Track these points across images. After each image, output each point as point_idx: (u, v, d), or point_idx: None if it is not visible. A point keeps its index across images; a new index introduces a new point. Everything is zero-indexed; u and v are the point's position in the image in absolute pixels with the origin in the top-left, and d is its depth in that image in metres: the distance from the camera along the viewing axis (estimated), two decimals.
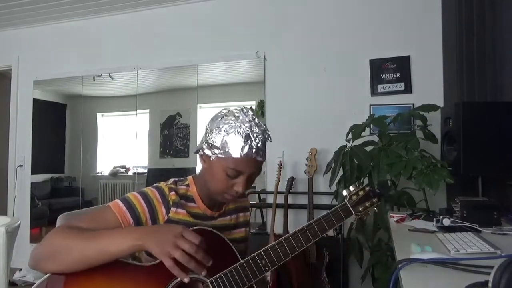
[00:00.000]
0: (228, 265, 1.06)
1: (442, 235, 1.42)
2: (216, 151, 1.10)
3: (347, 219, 1.22)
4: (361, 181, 2.39)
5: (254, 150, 1.09)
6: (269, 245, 1.12)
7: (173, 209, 1.15)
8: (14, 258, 2.18)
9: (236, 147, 1.07)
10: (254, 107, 3.44)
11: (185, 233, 0.99)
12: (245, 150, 1.07)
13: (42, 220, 4.20)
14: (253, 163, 1.11)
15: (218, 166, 1.11)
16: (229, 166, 1.09)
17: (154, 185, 1.20)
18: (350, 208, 1.21)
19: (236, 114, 1.12)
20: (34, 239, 4.12)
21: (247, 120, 1.11)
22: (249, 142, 1.08)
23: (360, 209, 1.22)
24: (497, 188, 2.10)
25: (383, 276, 2.29)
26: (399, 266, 1.01)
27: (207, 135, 1.13)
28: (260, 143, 1.10)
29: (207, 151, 1.13)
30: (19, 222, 2.07)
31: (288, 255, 1.12)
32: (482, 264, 0.97)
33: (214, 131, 1.11)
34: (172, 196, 1.16)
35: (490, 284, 0.68)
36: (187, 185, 1.22)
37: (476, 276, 0.89)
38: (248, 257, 1.09)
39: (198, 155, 1.20)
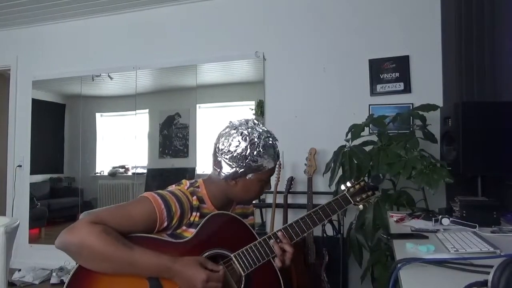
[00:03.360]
0: (247, 243, 1.21)
1: (441, 235, 1.42)
2: (254, 170, 1.22)
3: (346, 208, 1.38)
4: None
5: (278, 156, 1.28)
6: (282, 227, 1.28)
7: (193, 213, 1.22)
8: (13, 259, 2.18)
9: (271, 161, 1.24)
10: (253, 107, 3.44)
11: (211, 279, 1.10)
12: (276, 159, 1.26)
13: (41, 220, 4.20)
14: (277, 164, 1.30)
15: (254, 180, 1.24)
16: (266, 176, 1.26)
17: (178, 189, 1.24)
18: (349, 197, 1.37)
19: (254, 130, 1.22)
20: (33, 239, 4.12)
21: (261, 132, 1.23)
22: (276, 151, 1.27)
23: (357, 199, 1.38)
24: (496, 187, 2.10)
25: (382, 276, 2.29)
26: (399, 265, 1.01)
27: (237, 158, 1.19)
28: (278, 148, 1.29)
29: (241, 174, 1.22)
30: (18, 222, 2.07)
31: (298, 235, 1.28)
32: (481, 264, 0.97)
33: (248, 153, 1.19)
34: (194, 201, 1.23)
35: (489, 284, 0.68)
36: (198, 187, 1.28)
37: (476, 276, 0.89)
38: (265, 236, 1.25)
39: (226, 179, 1.25)
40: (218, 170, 1.24)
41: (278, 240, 1.24)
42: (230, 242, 1.21)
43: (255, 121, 1.27)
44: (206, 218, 1.20)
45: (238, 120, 1.26)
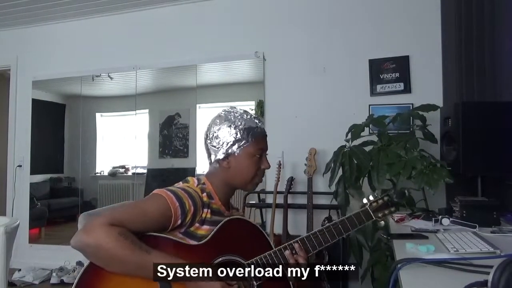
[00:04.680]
0: (261, 251, 1.19)
1: (441, 235, 1.42)
2: (241, 143, 1.25)
3: (366, 223, 1.32)
4: (361, 181, 2.39)
5: (263, 128, 1.31)
6: (299, 237, 1.25)
7: (205, 209, 1.22)
8: (13, 259, 2.17)
9: (255, 131, 1.27)
10: (253, 107, 3.44)
11: None
12: (259, 130, 1.28)
13: (41, 220, 4.20)
14: (266, 138, 1.33)
15: (245, 155, 1.26)
16: (256, 148, 1.27)
17: (187, 186, 1.24)
18: (371, 213, 1.31)
19: (232, 110, 1.30)
20: (33, 239, 4.12)
21: (237, 111, 1.30)
22: (258, 123, 1.29)
23: (379, 215, 1.32)
24: (496, 188, 2.10)
25: (382, 276, 2.28)
26: (399, 266, 1.01)
27: (220, 139, 1.26)
28: (259, 124, 1.31)
29: (230, 151, 1.26)
30: (18, 222, 2.07)
31: (315, 248, 1.24)
32: (481, 264, 0.97)
33: (228, 131, 1.25)
34: (204, 197, 1.24)
35: (489, 284, 0.68)
36: (204, 184, 1.29)
37: (476, 276, 0.89)
38: (281, 246, 1.21)
39: (215, 164, 1.29)
40: (210, 158, 1.31)
41: (294, 252, 1.21)
42: (245, 248, 1.19)
43: (233, 107, 1.32)
44: (222, 222, 1.20)
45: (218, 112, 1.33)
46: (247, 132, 1.25)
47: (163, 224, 1.13)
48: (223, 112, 1.30)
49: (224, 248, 1.17)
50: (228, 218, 1.22)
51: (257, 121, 1.30)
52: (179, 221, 1.15)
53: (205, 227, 1.20)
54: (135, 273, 1.06)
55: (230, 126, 1.25)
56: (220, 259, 1.16)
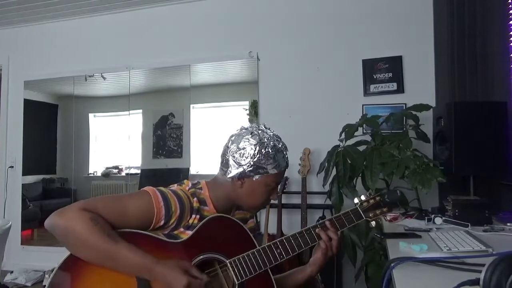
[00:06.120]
0: (245, 250, 1.17)
1: (434, 234, 1.43)
2: (263, 171, 1.20)
3: (357, 223, 1.29)
4: (354, 181, 2.40)
5: (287, 164, 1.28)
6: (285, 236, 1.22)
7: (193, 215, 1.18)
8: (5, 261, 2.16)
9: (279, 165, 1.23)
10: (247, 107, 3.44)
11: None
12: (285, 163, 1.26)
13: (34, 222, 4.15)
14: (285, 172, 1.29)
15: (262, 183, 1.22)
16: (273, 181, 1.23)
17: (180, 189, 1.21)
18: (361, 212, 1.29)
19: (266, 132, 1.24)
20: (25, 241, 4.08)
21: (272, 135, 1.24)
22: (285, 157, 1.27)
23: (370, 215, 1.29)
24: (488, 187, 2.12)
25: (376, 275, 2.29)
26: (392, 265, 1.01)
27: (244, 157, 1.19)
28: (287, 156, 1.29)
29: (249, 174, 1.20)
30: (9, 224, 2.05)
31: (301, 247, 1.21)
32: (473, 262, 0.98)
33: (255, 153, 1.19)
34: (195, 203, 1.19)
35: (481, 282, 0.68)
36: (200, 189, 1.25)
37: (468, 274, 0.90)
38: (265, 245, 1.19)
39: (228, 178, 1.23)
40: (225, 169, 1.23)
41: (325, 228, 1.23)
42: (228, 247, 1.17)
43: (267, 126, 1.27)
44: (205, 220, 1.16)
45: (251, 125, 1.27)
46: (273, 162, 1.20)
47: (144, 222, 1.11)
48: (255, 130, 1.23)
49: (206, 246, 1.15)
50: (211, 216, 1.18)
51: (285, 153, 1.26)
52: (162, 222, 1.13)
53: (189, 232, 1.17)
54: (101, 262, 1.03)
55: (260, 151, 1.18)
56: (201, 257, 1.13)
